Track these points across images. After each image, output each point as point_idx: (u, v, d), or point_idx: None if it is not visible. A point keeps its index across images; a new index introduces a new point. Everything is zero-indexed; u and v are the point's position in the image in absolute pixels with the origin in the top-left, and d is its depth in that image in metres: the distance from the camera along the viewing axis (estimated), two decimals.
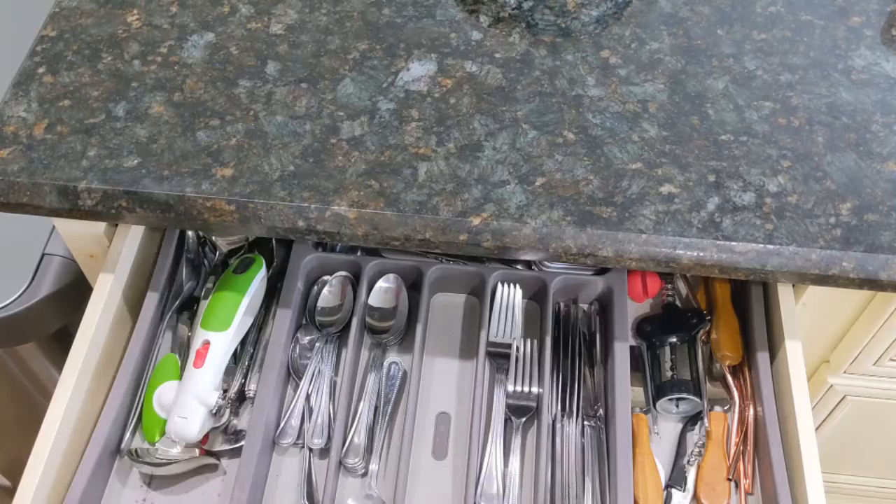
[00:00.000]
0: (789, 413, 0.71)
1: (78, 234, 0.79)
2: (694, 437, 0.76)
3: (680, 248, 0.66)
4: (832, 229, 0.66)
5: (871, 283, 0.66)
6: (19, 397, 1.10)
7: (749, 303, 0.79)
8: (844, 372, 0.83)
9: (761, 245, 0.66)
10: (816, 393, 0.86)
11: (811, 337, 0.82)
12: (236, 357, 0.78)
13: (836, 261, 0.65)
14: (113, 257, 0.78)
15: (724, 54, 0.77)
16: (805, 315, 0.78)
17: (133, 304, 0.80)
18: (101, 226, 0.78)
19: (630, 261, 0.66)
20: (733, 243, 0.66)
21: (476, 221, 0.66)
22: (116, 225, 0.79)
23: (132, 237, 0.79)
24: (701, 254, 0.66)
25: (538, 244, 0.66)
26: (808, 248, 0.65)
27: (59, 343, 1.04)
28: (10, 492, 1.47)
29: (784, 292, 0.76)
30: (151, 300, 0.78)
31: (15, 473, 1.37)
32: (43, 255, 0.93)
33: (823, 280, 0.66)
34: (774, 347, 0.76)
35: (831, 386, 0.85)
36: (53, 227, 0.90)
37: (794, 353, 0.73)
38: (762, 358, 0.75)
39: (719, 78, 0.75)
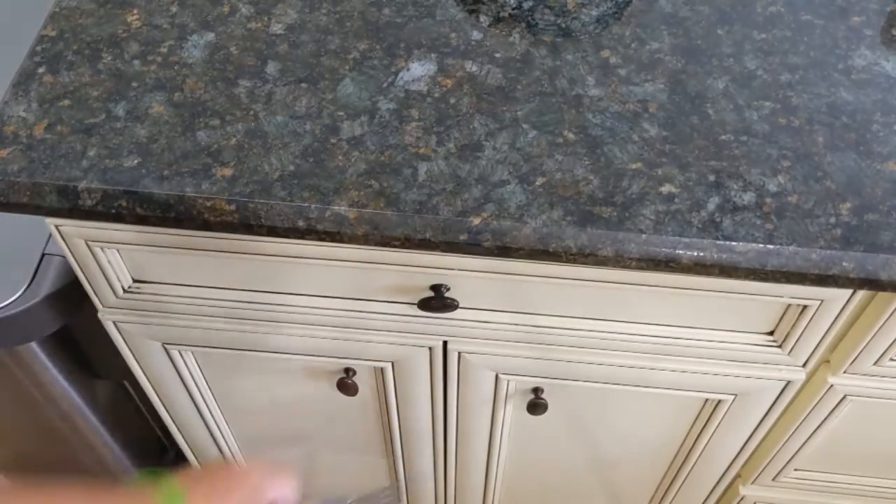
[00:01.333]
0: None
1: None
2: None
3: (680, 247, 0.66)
4: (832, 229, 0.66)
5: (871, 283, 0.66)
6: (19, 397, 1.10)
7: None
8: (844, 372, 0.83)
9: (761, 245, 0.66)
10: (816, 393, 0.86)
11: None
12: None
13: (836, 261, 0.65)
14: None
15: (724, 54, 0.77)
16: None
17: None
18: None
19: (630, 261, 0.66)
20: (733, 243, 0.66)
21: (476, 221, 0.66)
22: None
23: None
24: (701, 254, 0.66)
25: (538, 244, 0.66)
26: (808, 248, 0.65)
27: (59, 343, 1.04)
28: None
29: None
30: None
31: (15, 473, 1.37)
32: (43, 255, 0.93)
33: (823, 280, 0.66)
34: None
35: (831, 386, 0.85)
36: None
37: None
38: None
39: (719, 78, 0.75)
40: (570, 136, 0.71)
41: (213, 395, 1.00)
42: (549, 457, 1.07)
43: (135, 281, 0.83)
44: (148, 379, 0.96)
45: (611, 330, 0.82)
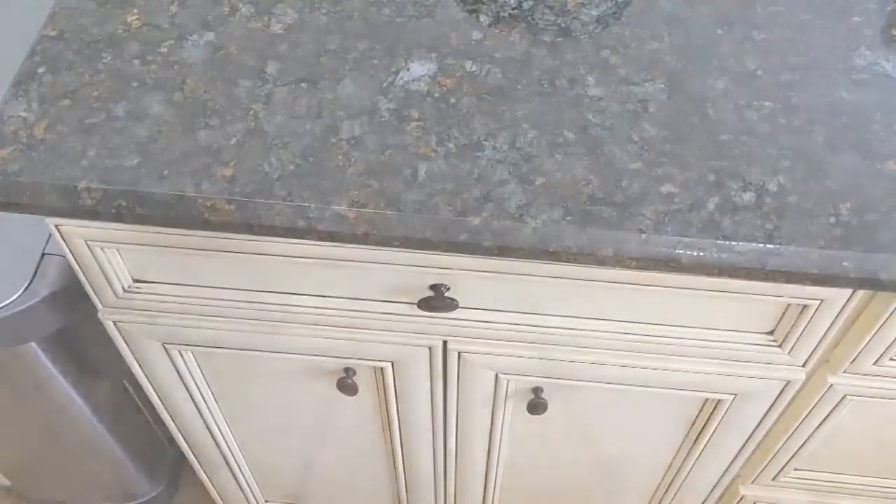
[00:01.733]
0: None
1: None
2: None
3: (680, 247, 0.66)
4: (832, 229, 0.66)
5: (871, 283, 0.66)
6: (19, 397, 1.10)
7: None
8: (844, 372, 0.83)
9: (761, 245, 0.66)
10: (816, 393, 0.86)
11: None
12: None
13: (836, 261, 0.65)
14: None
15: (724, 54, 0.77)
16: None
17: None
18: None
19: (630, 261, 0.66)
20: (733, 243, 0.66)
21: (476, 221, 0.66)
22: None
23: None
24: (701, 253, 0.66)
25: (538, 244, 0.66)
26: (808, 248, 0.65)
27: (59, 343, 1.04)
28: (11, 491, 1.47)
29: None
30: None
31: (15, 473, 1.37)
32: (43, 255, 0.93)
33: (823, 280, 0.66)
34: None
35: (831, 386, 0.85)
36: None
37: None
38: None
39: (719, 78, 0.75)
40: (570, 136, 0.71)
41: (212, 394, 1.00)
42: (549, 456, 1.07)
43: (135, 281, 0.83)
44: (148, 379, 0.96)
45: (611, 330, 0.82)
